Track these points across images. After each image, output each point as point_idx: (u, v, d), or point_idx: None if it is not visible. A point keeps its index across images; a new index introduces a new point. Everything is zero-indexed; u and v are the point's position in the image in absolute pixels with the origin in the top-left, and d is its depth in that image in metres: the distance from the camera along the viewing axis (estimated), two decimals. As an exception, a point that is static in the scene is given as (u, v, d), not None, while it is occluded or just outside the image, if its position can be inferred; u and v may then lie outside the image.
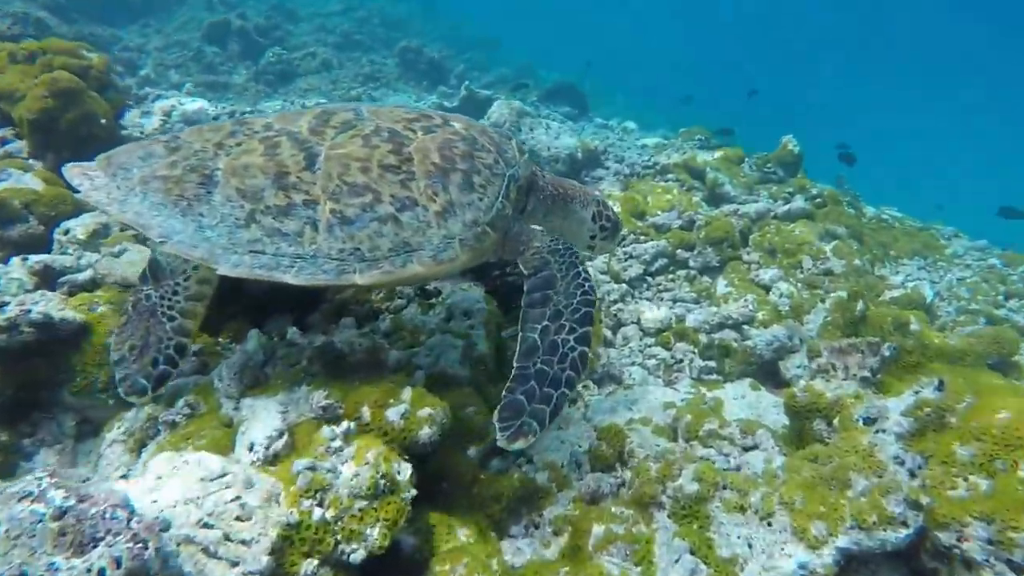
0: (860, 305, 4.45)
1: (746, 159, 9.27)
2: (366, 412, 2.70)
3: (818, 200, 8.08)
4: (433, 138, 3.07)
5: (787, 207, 7.89)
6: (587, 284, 3.08)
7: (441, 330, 3.87)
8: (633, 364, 5.00)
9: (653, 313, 5.34)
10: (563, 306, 2.99)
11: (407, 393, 2.85)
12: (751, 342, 4.55)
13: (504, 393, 2.84)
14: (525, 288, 3.10)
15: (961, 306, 7.06)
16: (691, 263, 6.09)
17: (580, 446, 3.55)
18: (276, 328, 4.12)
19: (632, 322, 5.45)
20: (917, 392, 3.04)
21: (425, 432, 2.72)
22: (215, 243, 2.67)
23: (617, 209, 4.50)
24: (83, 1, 14.97)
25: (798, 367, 4.34)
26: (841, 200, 8.44)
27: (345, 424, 2.60)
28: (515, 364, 2.91)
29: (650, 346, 5.15)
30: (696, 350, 4.96)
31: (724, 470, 3.28)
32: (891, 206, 14.53)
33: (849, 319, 4.48)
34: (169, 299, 2.95)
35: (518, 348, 2.94)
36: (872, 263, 7.49)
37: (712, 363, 4.51)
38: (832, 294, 5.54)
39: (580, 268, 3.13)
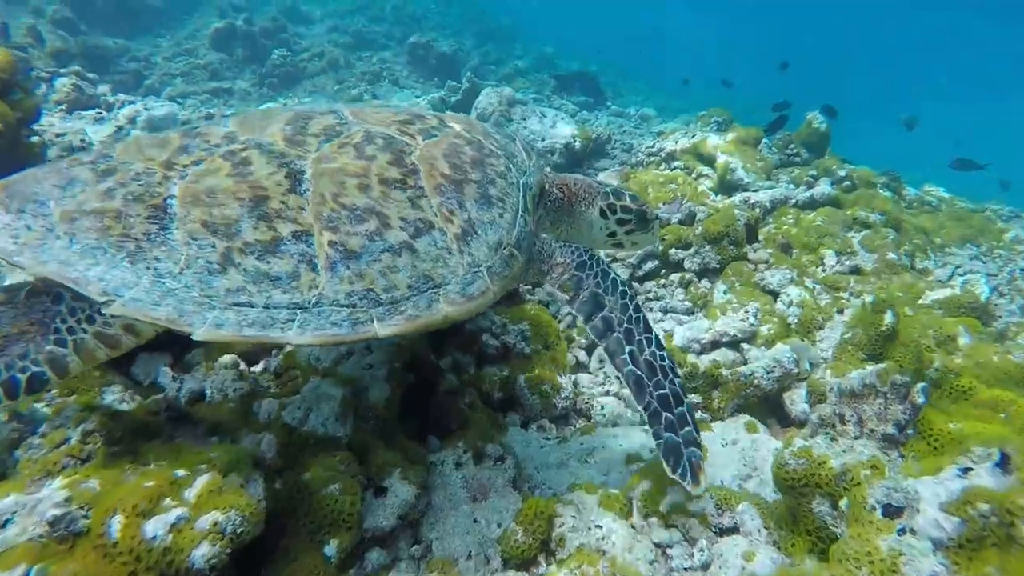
0: (889, 317, 3.34)
1: (765, 140, 8.08)
2: (116, 525, 1.78)
3: (846, 183, 6.86)
4: (437, 144, 2.56)
5: (809, 192, 6.70)
6: (625, 286, 2.73)
7: (325, 372, 2.95)
8: (607, 394, 3.99)
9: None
10: (627, 322, 2.63)
11: (197, 485, 1.93)
12: (746, 368, 3.48)
13: (654, 439, 2.46)
14: (580, 317, 2.71)
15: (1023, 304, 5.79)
16: (687, 265, 5.00)
17: (496, 528, 2.59)
18: (146, 368, 3.33)
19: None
20: (966, 471, 1.96)
21: (202, 552, 1.78)
22: (183, 297, 2.02)
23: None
24: (93, 14, 14.62)
25: (807, 403, 3.27)
26: (875, 182, 7.18)
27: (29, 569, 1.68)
28: (638, 406, 2.54)
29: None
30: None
31: (685, 571, 2.28)
32: (938, 185, 13.08)
33: (875, 335, 3.37)
34: (75, 322, 2.13)
35: (627, 385, 2.57)
36: (912, 255, 6.25)
37: (697, 398, 3.45)
38: (857, 299, 4.42)
39: (611, 272, 2.76)
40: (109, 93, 9.20)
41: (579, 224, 3.24)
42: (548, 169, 3.38)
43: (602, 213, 3.17)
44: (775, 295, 4.37)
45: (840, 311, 3.78)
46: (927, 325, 3.71)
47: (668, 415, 2.46)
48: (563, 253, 2.80)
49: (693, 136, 7.99)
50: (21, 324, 2.15)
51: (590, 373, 4.26)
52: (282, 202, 2.17)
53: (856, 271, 5.11)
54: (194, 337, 1.98)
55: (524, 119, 8.32)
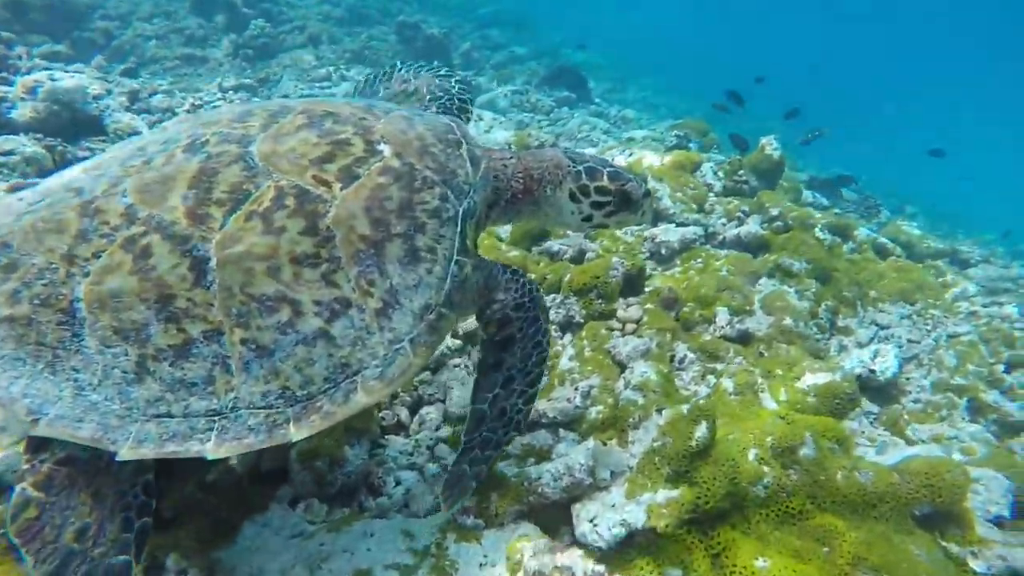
0: (701, 431, 2.76)
1: (707, 164, 7.40)
2: None
3: (777, 224, 6.20)
4: (357, 192, 2.26)
5: (736, 231, 6.08)
6: (545, 341, 2.66)
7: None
8: (412, 467, 3.46)
9: (465, 390, 3.76)
10: (517, 370, 2.58)
11: None
12: (534, 470, 2.92)
13: (451, 468, 2.56)
14: (481, 351, 2.66)
15: (941, 379, 5.15)
16: (552, 315, 4.41)
17: None
18: None
19: (439, 399, 3.89)
20: None
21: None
22: (106, 411, 1.89)
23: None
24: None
25: (593, 522, 2.71)
26: (813, 223, 6.51)
27: None
28: (463, 437, 2.58)
29: (442, 440, 3.59)
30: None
31: None
32: (912, 221, 12.29)
33: (682, 450, 2.80)
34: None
35: (468, 418, 2.58)
36: (835, 311, 5.62)
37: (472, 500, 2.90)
38: (722, 379, 3.84)
39: (541, 323, 2.67)
40: (26, 56, 8.65)
41: (546, 209, 2.97)
42: (509, 157, 2.97)
43: (572, 196, 2.87)
44: (624, 368, 3.78)
45: (659, 410, 3.19)
46: (767, 432, 3.13)
47: (479, 452, 2.51)
48: (507, 290, 2.66)
49: (631, 155, 7.33)
50: (84, 506, 1.94)
51: (407, 436, 3.73)
52: (189, 299, 1.98)
53: (744, 337, 4.50)
54: (119, 458, 1.85)
55: (458, 121, 7.69)
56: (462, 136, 2.71)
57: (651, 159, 7.04)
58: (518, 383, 2.57)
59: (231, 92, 10.64)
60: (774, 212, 6.20)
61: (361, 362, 2.13)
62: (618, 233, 5.75)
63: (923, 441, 4.08)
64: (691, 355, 4.13)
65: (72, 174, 2.31)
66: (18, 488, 1.89)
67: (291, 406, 2.03)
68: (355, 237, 2.18)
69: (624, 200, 2.85)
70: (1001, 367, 5.34)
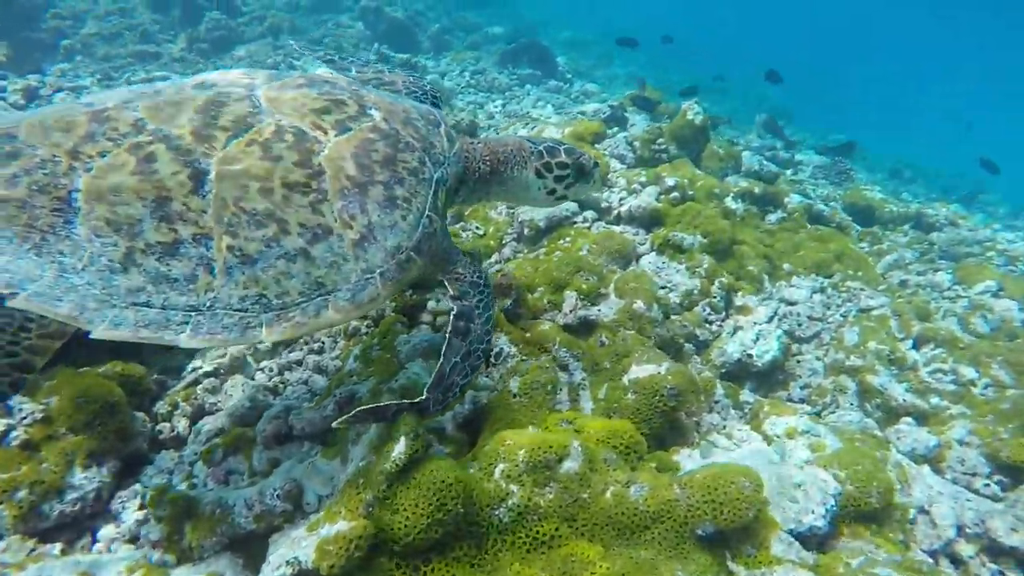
0: (399, 448, 2.27)
1: (620, 134, 6.80)
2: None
3: (674, 195, 5.60)
4: (348, 140, 2.45)
5: (627, 205, 5.52)
6: (489, 331, 2.77)
7: None
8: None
9: (236, 397, 3.34)
10: (470, 349, 2.66)
11: None
12: (233, 495, 2.47)
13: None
14: (454, 311, 2.70)
15: (836, 360, 4.54)
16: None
17: None
18: None
19: (217, 409, 3.48)
20: None
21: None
22: (85, 294, 2.01)
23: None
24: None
25: (272, 559, 2.26)
26: (721, 191, 5.88)
27: None
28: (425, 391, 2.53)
29: (217, 447, 3.17)
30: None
31: None
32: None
33: (381, 470, 2.33)
34: (13, 333, 2.16)
35: (434, 373, 2.54)
36: (730, 291, 5.03)
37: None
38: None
39: (490, 312, 2.81)
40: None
41: (514, 188, 3.21)
42: (477, 142, 3.18)
43: (538, 173, 3.13)
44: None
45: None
46: (522, 443, 2.63)
47: (438, 394, 2.54)
48: (464, 267, 2.83)
49: (533, 128, 6.76)
50: None
51: (180, 451, 3.32)
52: (184, 204, 2.11)
53: (587, 326, 3.97)
54: (92, 335, 1.98)
55: (359, 103, 7.18)
56: (440, 119, 2.95)
57: (551, 132, 6.47)
58: (467, 362, 2.65)
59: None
60: (670, 182, 5.61)
61: (335, 283, 2.29)
62: (491, 214, 5.24)
63: (777, 437, 3.52)
64: (510, 349, 3.62)
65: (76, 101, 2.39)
66: None
67: (265, 312, 2.18)
68: (342, 176, 2.35)
69: (580, 172, 3.16)
70: (908, 343, 4.71)
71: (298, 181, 2.27)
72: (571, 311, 4.01)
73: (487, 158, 3.10)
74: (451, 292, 2.77)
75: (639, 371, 3.37)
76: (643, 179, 5.78)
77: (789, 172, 11.24)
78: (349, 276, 2.32)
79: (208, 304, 2.12)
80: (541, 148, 3.14)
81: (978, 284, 5.67)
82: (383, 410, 2.40)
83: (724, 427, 3.83)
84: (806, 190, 9.11)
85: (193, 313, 2.10)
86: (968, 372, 4.42)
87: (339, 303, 2.30)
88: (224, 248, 2.13)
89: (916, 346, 4.71)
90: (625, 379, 3.38)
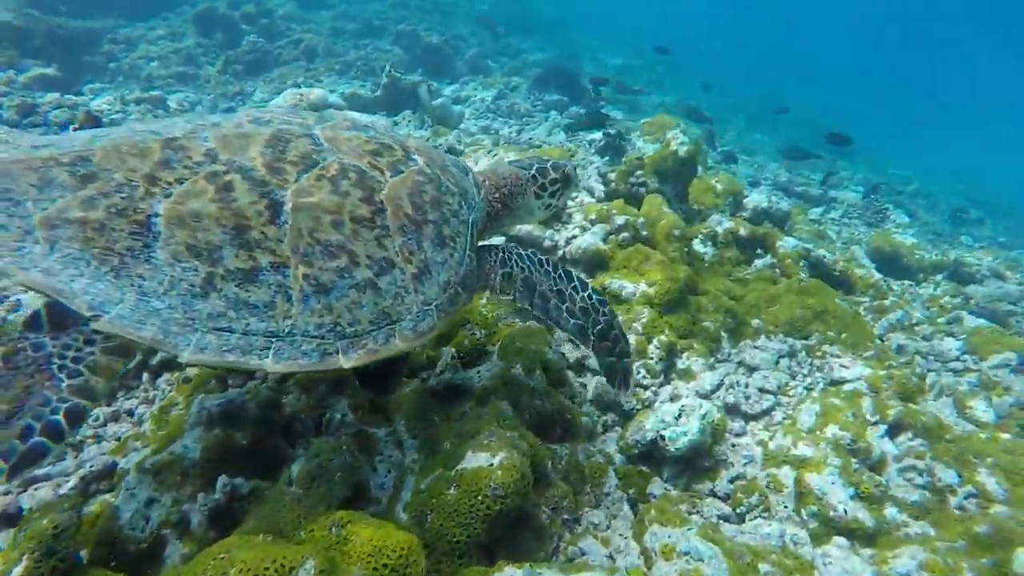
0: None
1: (592, 165, 6.12)
2: None
3: (624, 235, 4.87)
4: (403, 181, 2.56)
5: (574, 244, 4.85)
6: (537, 255, 3.01)
7: None
8: None
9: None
10: (555, 283, 2.94)
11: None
12: None
13: (600, 368, 3.04)
14: (525, 304, 2.96)
15: (780, 447, 3.68)
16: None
17: None
18: None
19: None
20: None
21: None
22: (168, 318, 2.00)
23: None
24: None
25: None
26: (681, 234, 5.10)
27: None
28: (585, 348, 3.01)
29: None
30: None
31: None
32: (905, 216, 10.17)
33: None
34: (76, 350, 2.07)
35: (574, 337, 2.95)
36: (672, 351, 4.24)
37: None
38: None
39: (523, 251, 3.01)
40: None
41: (521, 214, 3.37)
42: (485, 181, 3.22)
43: (536, 195, 3.31)
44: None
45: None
46: (232, 562, 2.02)
47: (606, 343, 2.93)
48: (484, 259, 2.91)
49: (487, 154, 6.18)
50: (20, 383, 1.99)
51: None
52: (262, 232, 2.15)
53: (453, 391, 3.32)
54: (180, 359, 1.98)
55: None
56: (468, 166, 3.13)
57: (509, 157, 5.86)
58: (567, 289, 2.93)
59: (133, 104, 10.20)
60: (619, 221, 4.88)
61: (399, 314, 2.38)
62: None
63: (654, 554, 2.75)
64: (348, 416, 3.02)
65: (127, 127, 2.42)
66: None
67: (340, 340, 2.23)
68: (401, 214, 2.45)
69: (566, 180, 3.38)
70: (880, 430, 3.79)
71: (364, 216, 2.36)
72: (440, 372, 3.38)
73: (498, 198, 3.20)
74: (505, 297, 3.00)
75: (471, 460, 2.69)
76: (593, 216, 5.08)
77: (819, 210, 10.17)
78: (411, 307, 2.41)
79: (287, 331, 2.14)
80: (534, 172, 3.30)
81: (994, 356, 4.63)
82: None
83: (608, 527, 3.10)
84: (824, 231, 8.10)
85: (273, 339, 2.12)
86: (947, 476, 3.47)
87: (404, 333, 2.38)
88: (300, 277, 2.18)
89: (890, 434, 3.78)
90: (456, 468, 2.71)
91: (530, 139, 10.24)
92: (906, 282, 7.00)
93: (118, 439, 3.12)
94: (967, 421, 4.02)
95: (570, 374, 3.99)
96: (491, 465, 2.64)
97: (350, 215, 2.33)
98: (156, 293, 1.99)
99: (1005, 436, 3.92)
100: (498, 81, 14.74)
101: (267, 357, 2.08)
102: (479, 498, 2.57)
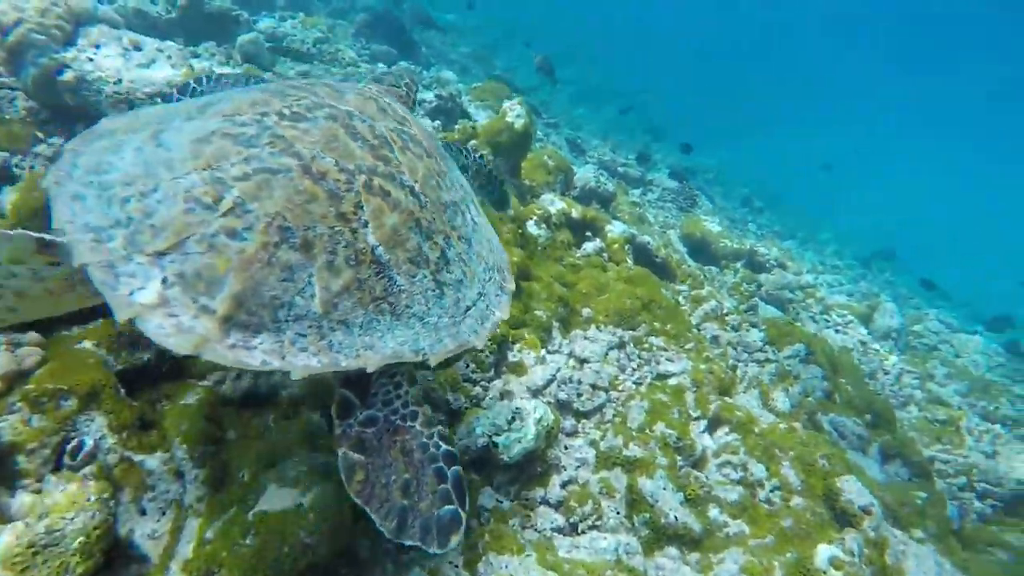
0: None
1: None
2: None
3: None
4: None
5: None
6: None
7: None
8: None
9: None
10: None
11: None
12: None
13: None
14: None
15: (611, 448, 3.60)
16: None
17: None
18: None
19: None
20: None
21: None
22: (444, 325, 2.15)
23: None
24: None
25: None
26: (515, 216, 4.85)
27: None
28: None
29: None
30: None
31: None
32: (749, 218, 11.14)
33: None
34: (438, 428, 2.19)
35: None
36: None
37: None
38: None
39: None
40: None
41: None
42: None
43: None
44: None
45: None
46: None
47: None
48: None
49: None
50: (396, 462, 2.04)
51: None
52: (423, 218, 2.22)
53: (255, 398, 2.72)
54: (476, 344, 2.22)
55: (96, 46, 5.43)
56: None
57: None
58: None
59: None
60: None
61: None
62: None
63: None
64: (108, 440, 2.30)
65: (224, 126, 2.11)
66: (340, 452, 2.01)
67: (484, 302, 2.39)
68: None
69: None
70: (701, 425, 3.88)
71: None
72: (238, 374, 2.74)
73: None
74: None
75: (275, 497, 2.17)
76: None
77: (637, 191, 10.64)
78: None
79: (475, 298, 2.32)
80: (404, 87, 3.55)
81: (787, 347, 5.04)
82: None
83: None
84: (644, 214, 8.43)
85: (470, 308, 2.28)
86: (758, 470, 3.64)
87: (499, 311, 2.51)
88: (456, 240, 2.36)
89: (709, 429, 3.90)
90: (255, 510, 2.16)
91: (355, 91, 9.35)
92: (713, 269, 7.51)
93: None
94: (770, 412, 4.29)
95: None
96: (300, 507, 2.14)
97: (458, 235, 2.44)
98: (425, 314, 2.08)
99: (797, 425, 4.26)
100: (320, 22, 13.32)
101: (478, 333, 2.25)
102: (285, 550, 2.07)
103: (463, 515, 2.00)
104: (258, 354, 1.70)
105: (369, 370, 1.86)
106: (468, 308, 2.25)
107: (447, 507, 1.99)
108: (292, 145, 2.06)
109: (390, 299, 2.01)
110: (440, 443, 2.14)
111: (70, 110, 4.78)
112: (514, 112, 5.89)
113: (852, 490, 3.49)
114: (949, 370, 8.30)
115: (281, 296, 1.79)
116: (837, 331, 7.67)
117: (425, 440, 2.13)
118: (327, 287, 1.88)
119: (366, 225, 2.03)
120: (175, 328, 1.62)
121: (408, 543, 1.93)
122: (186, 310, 1.65)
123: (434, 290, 2.13)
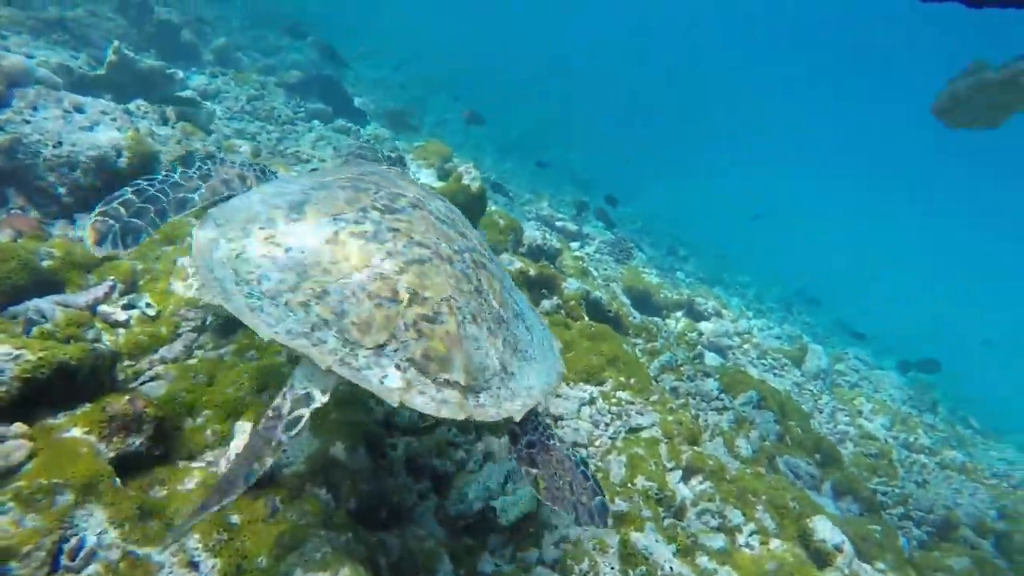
0: None
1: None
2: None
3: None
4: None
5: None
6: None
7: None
8: None
9: None
10: None
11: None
12: None
13: None
14: None
15: (597, 504, 3.70)
16: None
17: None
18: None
19: None
20: None
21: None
22: (548, 360, 2.74)
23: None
24: None
25: None
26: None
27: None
28: None
29: None
30: None
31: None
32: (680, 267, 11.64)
33: None
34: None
35: None
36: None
37: None
38: None
39: None
40: None
41: None
42: None
43: None
44: None
45: None
46: None
47: None
48: None
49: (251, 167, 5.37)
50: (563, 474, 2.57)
51: None
52: (478, 289, 2.52)
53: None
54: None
55: (34, 108, 5.22)
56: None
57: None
58: None
59: None
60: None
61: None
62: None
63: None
64: (108, 535, 2.17)
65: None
66: (522, 469, 2.46)
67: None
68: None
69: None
70: (677, 475, 4.04)
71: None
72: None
73: None
74: None
75: (301, 588, 2.11)
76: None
77: (576, 245, 11.00)
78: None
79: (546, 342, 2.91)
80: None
81: (741, 395, 5.33)
82: None
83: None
84: (587, 268, 8.72)
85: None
86: (735, 516, 3.81)
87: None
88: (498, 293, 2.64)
89: (684, 479, 4.05)
90: None
91: (296, 152, 9.31)
92: (657, 320, 7.84)
93: None
94: (735, 459, 4.51)
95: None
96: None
97: (498, 301, 2.67)
98: (533, 355, 2.61)
99: (761, 470, 4.49)
100: (251, 79, 13.24)
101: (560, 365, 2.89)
102: (319, 642, 2.01)
103: (607, 502, 2.60)
104: (491, 410, 2.17)
105: (541, 406, 2.35)
106: (545, 343, 2.77)
107: (597, 498, 2.55)
108: (411, 236, 2.37)
109: (519, 348, 2.50)
110: (574, 452, 2.64)
111: (1, 173, 4.56)
112: (470, 175, 6.07)
113: (824, 529, 3.71)
114: (873, 405, 8.93)
115: (483, 361, 2.25)
116: (775, 374, 8.14)
117: (566, 452, 2.59)
118: (496, 348, 2.34)
119: (488, 295, 2.49)
120: (434, 401, 2.03)
121: (584, 526, 2.51)
122: (430, 386, 2.04)
123: (528, 335, 2.60)
